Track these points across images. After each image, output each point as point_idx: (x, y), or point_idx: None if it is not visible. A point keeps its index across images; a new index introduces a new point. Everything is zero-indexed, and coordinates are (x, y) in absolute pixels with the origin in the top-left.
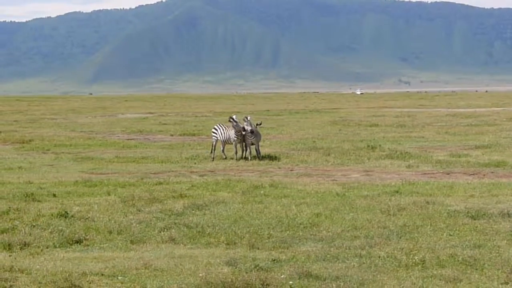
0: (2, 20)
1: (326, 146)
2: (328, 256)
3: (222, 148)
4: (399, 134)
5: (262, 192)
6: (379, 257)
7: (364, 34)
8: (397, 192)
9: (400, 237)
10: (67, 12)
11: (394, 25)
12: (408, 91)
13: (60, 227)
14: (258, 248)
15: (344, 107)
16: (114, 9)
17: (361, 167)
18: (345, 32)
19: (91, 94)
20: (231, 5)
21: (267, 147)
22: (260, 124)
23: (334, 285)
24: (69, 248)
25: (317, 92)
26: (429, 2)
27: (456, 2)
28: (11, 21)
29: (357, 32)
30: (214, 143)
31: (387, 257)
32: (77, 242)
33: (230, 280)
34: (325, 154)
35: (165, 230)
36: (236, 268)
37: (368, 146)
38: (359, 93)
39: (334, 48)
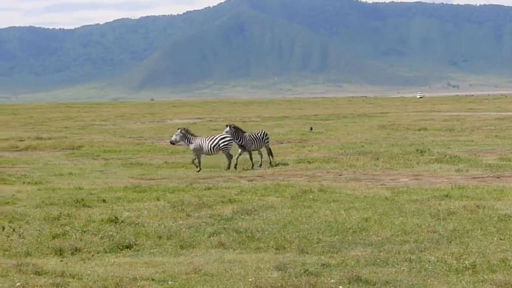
0: (52, 27)
1: (374, 150)
2: (377, 260)
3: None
4: (448, 138)
5: (311, 196)
6: (429, 261)
7: (413, 37)
8: (446, 196)
9: (450, 242)
10: (115, 18)
11: (443, 28)
12: (457, 95)
13: (111, 233)
14: (307, 253)
15: (392, 111)
16: (162, 15)
17: (410, 171)
18: (393, 36)
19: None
20: (278, 9)
21: (315, 151)
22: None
23: None
24: (119, 253)
25: (365, 97)
26: (478, 5)
27: (505, 5)
28: (60, 29)
29: (405, 36)
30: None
31: (437, 261)
32: (127, 247)
33: (279, 284)
34: (374, 159)
35: (215, 235)
36: (285, 272)
37: (417, 150)
38: (418, 96)
39: (382, 52)
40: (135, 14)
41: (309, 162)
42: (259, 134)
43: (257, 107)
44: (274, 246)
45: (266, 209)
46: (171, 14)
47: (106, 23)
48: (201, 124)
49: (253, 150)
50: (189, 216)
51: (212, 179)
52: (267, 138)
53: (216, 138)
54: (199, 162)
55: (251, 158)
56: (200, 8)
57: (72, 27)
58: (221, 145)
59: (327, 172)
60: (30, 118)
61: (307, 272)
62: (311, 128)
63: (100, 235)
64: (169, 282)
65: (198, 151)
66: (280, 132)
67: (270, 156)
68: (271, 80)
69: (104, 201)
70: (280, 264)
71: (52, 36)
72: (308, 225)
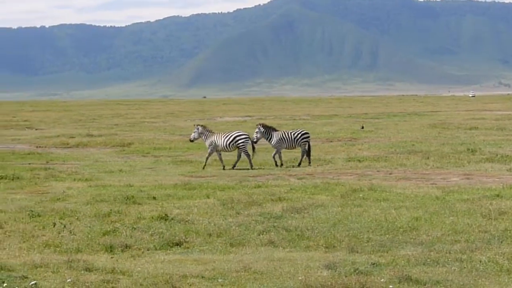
0: (103, 25)
1: (425, 149)
2: (428, 260)
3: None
4: (500, 137)
5: (361, 195)
6: (480, 261)
7: (464, 36)
8: (498, 196)
9: (502, 242)
10: (166, 16)
11: (494, 26)
12: (508, 94)
13: (161, 230)
14: (357, 252)
15: (443, 110)
16: (213, 13)
17: (461, 170)
18: (444, 34)
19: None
20: (329, 7)
21: (365, 150)
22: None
23: None
24: (169, 250)
25: (416, 95)
26: None
27: None
28: (111, 26)
29: (456, 34)
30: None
31: (489, 261)
32: (177, 244)
33: (329, 283)
34: (424, 158)
35: (264, 233)
36: (335, 271)
37: (468, 149)
38: (471, 95)
39: (433, 50)
40: (186, 12)
41: (359, 161)
42: (293, 134)
43: (307, 105)
44: (324, 245)
45: (315, 207)
46: (221, 12)
47: (156, 20)
48: (251, 122)
49: (285, 149)
50: (238, 214)
51: (261, 177)
52: (304, 138)
53: (231, 135)
54: (221, 160)
55: (273, 156)
56: (250, 6)
57: (123, 25)
58: (238, 142)
59: (377, 171)
60: (81, 115)
61: (357, 271)
62: (363, 127)
63: (150, 232)
64: (219, 280)
65: (213, 148)
66: (330, 131)
67: (304, 157)
68: (321, 78)
69: (154, 198)
70: (330, 263)
71: (103, 34)
72: (358, 224)
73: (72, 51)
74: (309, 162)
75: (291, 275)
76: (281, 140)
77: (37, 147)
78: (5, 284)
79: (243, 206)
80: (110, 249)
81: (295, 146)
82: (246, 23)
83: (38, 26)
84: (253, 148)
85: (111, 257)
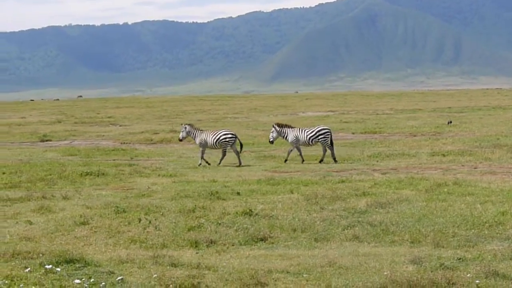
0: (185, 21)
1: (510, 143)
2: None
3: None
4: None
5: (445, 190)
6: None
7: None
8: None
9: None
10: (248, 11)
11: None
12: None
13: (245, 225)
14: (443, 247)
15: None
16: (295, 8)
17: None
18: None
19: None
20: (411, 1)
21: (449, 144)
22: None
23: None
24: (254, 245)
25: (500, 89)
26: None
27: None
28: (193, 22)
29: None
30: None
31: None
32: (261, 239)
33: (415, 278)
34: (510, 152)
35: (349, 228)
36: (421, 266)
37: None
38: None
39: None
40: (268, 7)
41: (443, 155)
42: (307, 131)
43: (390, 100)
44: (409, 240)
45: (400, 202)
46: (303, 7)
47: (238, 16)
48: (334, 117)
49: (301, 145)
50: (323, 209)
51: (345, 172)
52: (321, 135)
53: (218, 134)
54: (202, 157)
55: (288, 152)
56: (332, 1)
57: (205, 21)
58: (221, 140)
59: (462, 165)
60: (164, 111)
61: (442, 266)
62: (450, 121)
63: (235, 228)
64: (304, 275)
65: (203, 146)
66: (414, 125)
67: (325, 154)
68: (403, 72)
69: (238, 193)
70: (416, 257)
71: (185, 30)
72: (443, 218)
73: (155, 47)
74: (334, 159)
75: (376, 270)
76: (295, 137)
77: (121, 143)
78: (92, 280)
79: (327, 201)
80: (195, 244)
81: (310, 143)
82: (328, 18)
83: (121, 23)
84: (241, 146)
85: (196, 253)
